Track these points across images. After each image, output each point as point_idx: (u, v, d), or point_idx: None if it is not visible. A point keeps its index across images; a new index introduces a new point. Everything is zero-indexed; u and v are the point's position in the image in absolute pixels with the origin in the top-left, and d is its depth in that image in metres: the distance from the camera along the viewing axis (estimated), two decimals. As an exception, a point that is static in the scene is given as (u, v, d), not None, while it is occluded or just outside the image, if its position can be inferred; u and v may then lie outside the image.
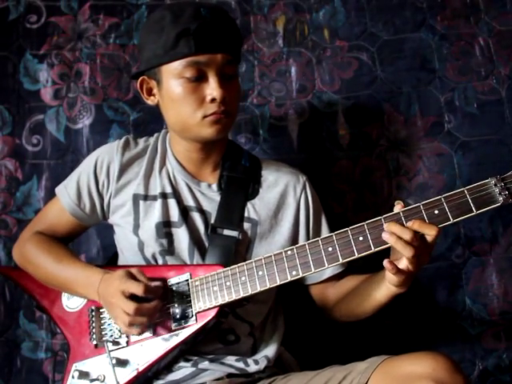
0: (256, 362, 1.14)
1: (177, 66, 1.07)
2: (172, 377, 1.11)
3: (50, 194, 1.49)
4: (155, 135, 1.27)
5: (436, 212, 0.94)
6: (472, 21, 1.62)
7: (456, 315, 1.50)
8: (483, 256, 1.52)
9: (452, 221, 0.93)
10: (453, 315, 1.50)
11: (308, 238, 1.23)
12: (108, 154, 1.21)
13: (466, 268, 1.51)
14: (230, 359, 1.13)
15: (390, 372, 0.95)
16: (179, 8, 1.08)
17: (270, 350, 1.18)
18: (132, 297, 1.02)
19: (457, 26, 1.62)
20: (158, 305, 1.04)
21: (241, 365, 1.13)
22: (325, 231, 1.27)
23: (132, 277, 1.05)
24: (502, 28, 1.61)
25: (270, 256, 1.03)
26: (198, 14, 1.06)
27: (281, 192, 1.23)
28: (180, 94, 1.09)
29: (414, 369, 0.92)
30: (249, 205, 1.20)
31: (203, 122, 1.10)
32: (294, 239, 1.22)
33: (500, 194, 0.92)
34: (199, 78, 1.07)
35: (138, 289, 1.02)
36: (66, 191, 1.22)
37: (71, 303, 1.20)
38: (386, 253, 0.99)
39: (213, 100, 1.07)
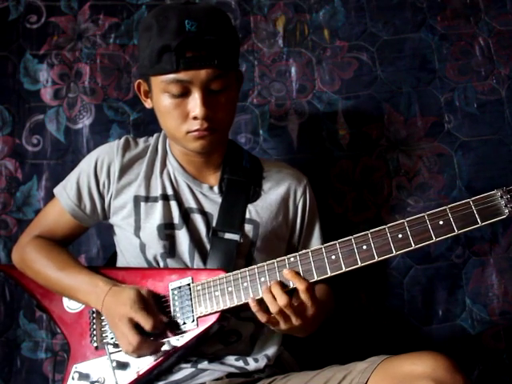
0: (256, 360, 1.14)
1: (162, 80, 1.05)
2: (172, 378, 1.11)
3: (50, 194, 1.48)
4: (155, 135, 1.27)
5: (441, 223, 0.94)
6: (472, 21, 1.62)
7: (456, 315, 1.50)
8: (483, 256, 1.52)
9: (456, 232, 0.93)
10: (453, 315, 1.50)
11: (298, 243, 1.27)
12: (108, 154, 1.20)
13: (466, 268, 1.52)
14: (230, 359, 1.13)
15: (390, 372, 0.95)
16: (165, 18, 1.03)
17: (270, 349, 1.18)
18: (138, 324, 1.02)
19: (457, 26, 1.62)
20: (162, 344, 1.05)
21: (240, 363, 1.13)
22: (316, 238, 1.28)
23: (144, 304, 1.04)
24: (502, 28, 1.62)
25: (273, 262, 1.02)
26: (182, 28, 1.01)
27: (282, 194, 1.23)
28: (166, 108, 1.08)
29: (414, 368, 0.92)
30: (250, 207, 1.20)
31: (187, 137, 1.09)
32: (288, 242, 1.25)
33: (506, 206, 0.91)
34: (183, 94, 1.05)
35: (146, 324, 1.01)
36: (65, 192, 1.21)
37: (72, 304, 1.19)
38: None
39: (195, 117, 1.06)
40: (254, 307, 0.98)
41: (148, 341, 1.03)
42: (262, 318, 0.99)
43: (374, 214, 1.53)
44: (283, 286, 0.99)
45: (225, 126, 1.13)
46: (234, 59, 1.11)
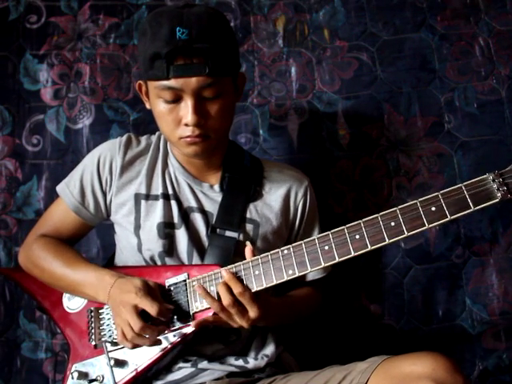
0: (255, 359, 1.15)
1: (155, 86, 1.05)
2: (171, 377, 1.11)
3: (50, 194, 1.49)
4: (157, 133, 1.27)
5: (433, 209, 0.94)
6: (472, 21, 1.62)
7: (456, 315, 1.50)
8: (483, 256, 1.52)
9: (449, 217, 0.93)
10: (453, 315, 1.50)
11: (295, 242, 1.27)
12: (110, 151, 1.21)
13: (466, 268, 1.52)
14: (230, 358, 1.13)
15: (390, 372, 0.95)
16: (158, 24, 1.02)
17: (268, 348, 1.18)
18: (142, 312, 1.02)
19: (457, 26, 1.62)
20: (163, 330, 1.04)
21: (240, 362, 1.13)
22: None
23: (149, 292, 1.04)
24: (502, 28, 1.62)
25: (267, 255, 1.03)
26: (173, 35, 1.00)
27: (283, 195, 1.23)
28: (160, 113, 1.08)
29: (414, 369, 0.92)
30: (251, 206, 1.20)
31: (180, 142, 1.10)
32: (286, 242, 1.25)
33: (498, 189, 0.91)
34: (176, 100, 1.05)
35: (152, 309, 1.01)
36: (68, 190, 1.22)
37: (72, 304, 1.20)
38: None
39: (187, 124, 1.06)
40: (201, 293, 1.02)
41: (150, 328, 1.02)
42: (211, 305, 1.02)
43: (374, 214, 1.53)
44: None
45: (219, 132, 1.12)
46: (229, 65, 1.08)
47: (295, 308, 1.23)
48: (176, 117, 1.07)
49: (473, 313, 1.50)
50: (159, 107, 1.08)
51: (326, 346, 1.47)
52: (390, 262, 1.51)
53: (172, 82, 1.02)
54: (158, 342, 1.05)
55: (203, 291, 1.02)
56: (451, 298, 1.50)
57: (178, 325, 1.06)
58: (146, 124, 1.55)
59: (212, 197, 1.20)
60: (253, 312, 1.00)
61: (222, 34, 1.06)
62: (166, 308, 1.04)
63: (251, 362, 1.14)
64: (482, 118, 1.57)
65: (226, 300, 0.99)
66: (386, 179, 1.55)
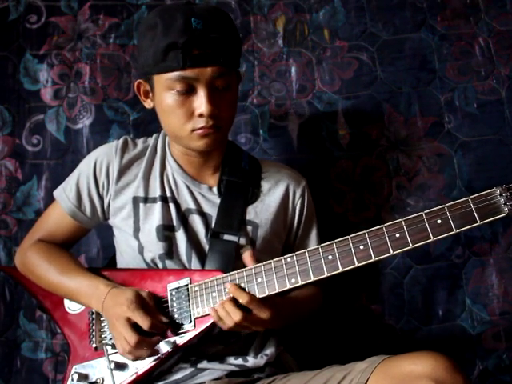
0: (255, 358, 1.14)
1: (166, 78, 1.05)
2: (171, 377, 1.11)
3: (50, 194, 1.48)
4: (154, 136, 1.26)
5: (439, 221, 0.93)
6: (472, 21, 1.62)
7: (456, 315, 1.50)
8: (483, 256, 1.52)
9: (455, 231, 0.92)
10: (453, 315, 1.50)
11: (294, 243, 1.27)
12: (107, 155, 1.20)
13: (466, 268, 1.52)
14: (229, 358, 1.13)
15: (390, 371, 0.95)
16: (170, 16, 1.04)
17: (268, 349, 1.18)
18: (136, 324, 1.02)
19: (457, 26, 1.62)
20: (159, 340, 1.04)
21: (239, 361, 1.13)
22: (312, 240, 1.28)
23: (142, 304, 1.04)
24: (502, 28, 1.62)
25: (270, 263, 1.02)
26: (188, 25, 1.02)
27: (281, 195, 1.23)
28: (170, 106, 1.08)
29: (414, 368, 0.92)
30: (250, 208, 1.20)
31: (192, 135, 1.09)
32: (284, 242, 1.25)
33: (505, 204, 0.90)
34: (189, 91, 1.06)
35: (144, 323, 1.01)
36: (65, 194, 1.21)
37: (73, 305, 1.19)
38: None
39: (201, 115, 1.06)
40: (214, 317, 1.02)
41: (146, 341, 1.02)
42: (222, 326, 1.02)
43: (374, 214, 1.54)
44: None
45: (228, 123, 1.14)
46: (236, 58, 1.12)
47: (298, 308, 1.22)
48: (188, 109, 1.07)
49: (473, 313, 1.50)
50: (168, 101, 1.07)
51: (326, 346, 1.47)
52: (390, 262, 1.51)
53: (187, 72, 1.03)
54: (156, 353, 1.05)
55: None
56: (451, 298, 1.50)
57: (178, 330, 1.06)
58: (146, 124, 1.55)
59: (210, 199, 1.20)
60: (264, 314, 1.01)
61: (231, 27, 1.10)
62: (159, 321, 1.04)
63: (251, 361, 1.13)
64: (482, 117, 1.57)
65: (237, 316, 0.99)
66: (385, 179, 1.55)
